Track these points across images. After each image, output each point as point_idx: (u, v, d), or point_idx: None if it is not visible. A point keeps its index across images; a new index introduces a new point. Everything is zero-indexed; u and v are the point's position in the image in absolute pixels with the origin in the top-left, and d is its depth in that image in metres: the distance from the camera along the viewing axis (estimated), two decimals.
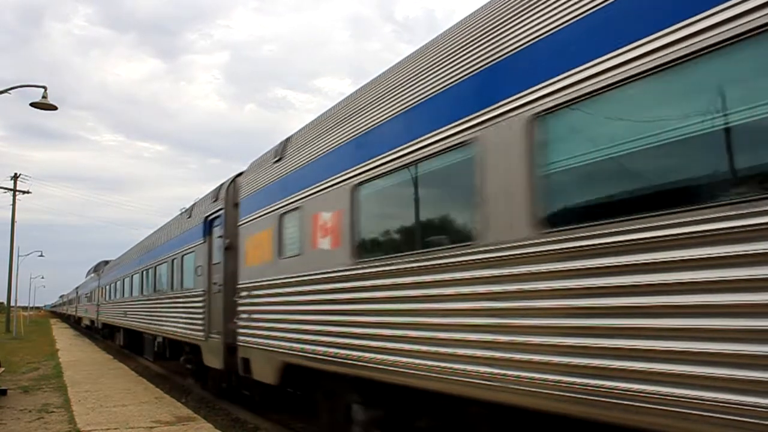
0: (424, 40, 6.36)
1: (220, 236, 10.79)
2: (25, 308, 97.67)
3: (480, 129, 4.76)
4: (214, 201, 11.23)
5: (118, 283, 23.84)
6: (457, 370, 4.80)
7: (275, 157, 8.72)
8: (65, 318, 73.71)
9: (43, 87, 18.15)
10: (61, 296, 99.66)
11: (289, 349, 7.80)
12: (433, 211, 5.52)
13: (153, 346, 16.47)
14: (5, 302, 54.93)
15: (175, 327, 13.51)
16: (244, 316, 9.33)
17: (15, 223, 47.10)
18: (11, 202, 46.59)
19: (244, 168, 10.87)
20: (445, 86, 5.26)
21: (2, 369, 14.41)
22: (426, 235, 5.48)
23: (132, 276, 20.46)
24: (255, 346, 8.86)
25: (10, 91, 17.66)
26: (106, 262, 33.51)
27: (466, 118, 4.92)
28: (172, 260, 14.12)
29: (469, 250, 4.77)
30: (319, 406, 7.87)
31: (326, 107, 9.07)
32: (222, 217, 10.73)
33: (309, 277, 7.33)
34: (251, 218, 9.34)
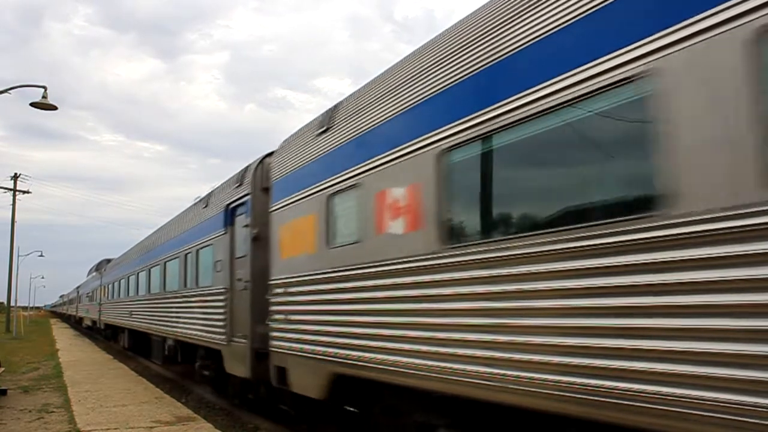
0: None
1: (245, 226, 9.25)
2: (25, 308, 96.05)
3: (663, 56, 3.27)
4: (238, 186, 9.69)
5: (123, 281, 22.17)
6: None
7: (320, 129, 7.20)
8: (65, 318, 71.80)
9: (43, 87, 17.72)
10: (61, 296, 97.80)
11: (341, 357, 6.28)
12: (575, 172, 3.99)
13: (162, 349, 14.87)
14: (5, 302, 54.33)
15: (189, 329, 11.94)
16: (279, 317, 7.81)
17: (15, 223, 46.37)
18: (11, 202, 45.89)
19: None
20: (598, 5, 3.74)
21: (2, 369, 13.98)
22: (563, 208, 3.97)
23: (138, 274, 18.84)
24: (294, 352, 7.34)
25: (10, 91, 17.28)
26: (109, 260, 31.85)
27: (638, 44, 3.42)
28: (185, 255, 12.56)
29: (650, 224, 3.28)
30: (379, 426, 6.35)
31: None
32: (248, 203, 9.19)
33: (372, 269, 5.81)
34: (287, 203, 7.82)
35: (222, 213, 10.20)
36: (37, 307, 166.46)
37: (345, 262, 6.31)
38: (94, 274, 35.39)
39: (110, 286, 25.98)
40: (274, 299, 7.99)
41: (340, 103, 7.04)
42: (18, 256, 47.37)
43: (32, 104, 17.81)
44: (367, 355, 5.81)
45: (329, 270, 6.60)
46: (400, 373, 5.29)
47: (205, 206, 11.43)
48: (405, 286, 5.29)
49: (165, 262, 14.68)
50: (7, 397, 11.70)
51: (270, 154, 9.17)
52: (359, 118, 6.34)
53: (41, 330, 46.68)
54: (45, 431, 8.74)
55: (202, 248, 11.41)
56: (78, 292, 47.77)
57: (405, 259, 5.31)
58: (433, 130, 5.05)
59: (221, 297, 9.94)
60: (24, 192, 46.38)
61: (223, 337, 9.78)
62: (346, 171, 6.40)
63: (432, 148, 5.06)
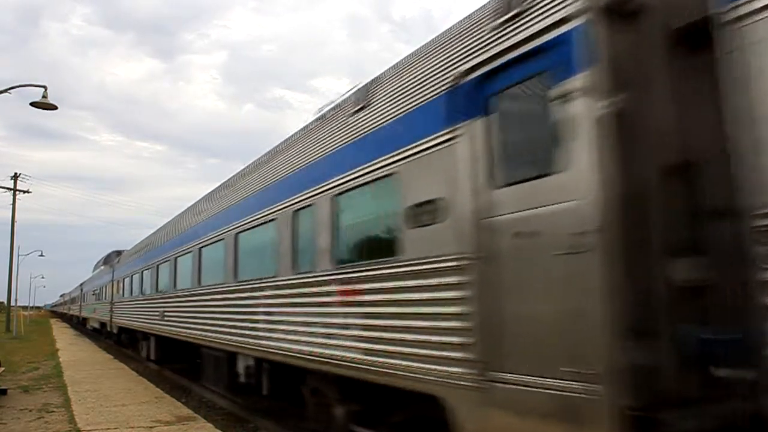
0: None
1: (564, 97, 3.41)
2: (25, 308, 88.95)
3: None
4: (511, 19, 3.84)
5: (148, 273, 15.79)
6: None
7: None
8: (67, 318, 64.24)
9: (44, 87, 16.56)
10: (62, 295, 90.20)
11: None
12: None
13: (229, 370, 8.72)
14: (5, 302, 50.92)
15: (309, 344, 5.98)
16: None
17: (15, 223, 42.55)
18: (11, 202, 42.38)
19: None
20: None
21: (2, 369, 13.13)
22: None
23: (174, 260, 12.67)
24: None
25: (10, 91, 16.18)
26: (119, 252, 25.44)
27: None
28: (294, 213, 6.64)
29: None
30: None
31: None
32: (573, 45, 3.37)
33: None
34: None
35: (442, 99, 4.33)
36: (38, 307, 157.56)
37: None
38: (102, 268, 28.75)
39: (127, 280, 19.48)
40: None
41: None
42: (18, 255, 43.75)
43: (32, 104, 16.59)
44: None
45: None
46: None
47: (361, 107, 5.49)
48: None
49: (236, 235, 8.67)
50: (7, 396, 10.84)
51: None
52: None
53: (41, 330, 42.57)
54: (45, 431, 8.03)
55: (348, 191, 5.51)
56: (82, 290, 40.76)
57: None
58: None
59: (448, 280, 4.07)
60: (24, 192, 42.57)
61: (459, 369, 3.91)
62: None
63: None
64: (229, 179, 10.12)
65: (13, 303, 43.90)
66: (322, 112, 6.36)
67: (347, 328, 5.31)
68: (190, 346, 11.49)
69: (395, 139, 4.82)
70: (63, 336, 33.48)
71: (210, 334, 9.54)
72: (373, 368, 4.91)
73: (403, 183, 4.67)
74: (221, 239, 9.37)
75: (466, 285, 3.92)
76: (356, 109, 5.55)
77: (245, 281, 8.13)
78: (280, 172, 7.32)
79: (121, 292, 20.85)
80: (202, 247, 10.57)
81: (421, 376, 4.33)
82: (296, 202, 6.60)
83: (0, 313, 55.60)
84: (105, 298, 25.69)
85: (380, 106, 5.15)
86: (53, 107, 16.98)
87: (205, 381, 10.07)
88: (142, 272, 16.65)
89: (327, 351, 5.68)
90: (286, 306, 6.67)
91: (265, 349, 7.22)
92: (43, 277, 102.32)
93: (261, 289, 7.44)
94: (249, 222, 8.20)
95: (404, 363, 4.50)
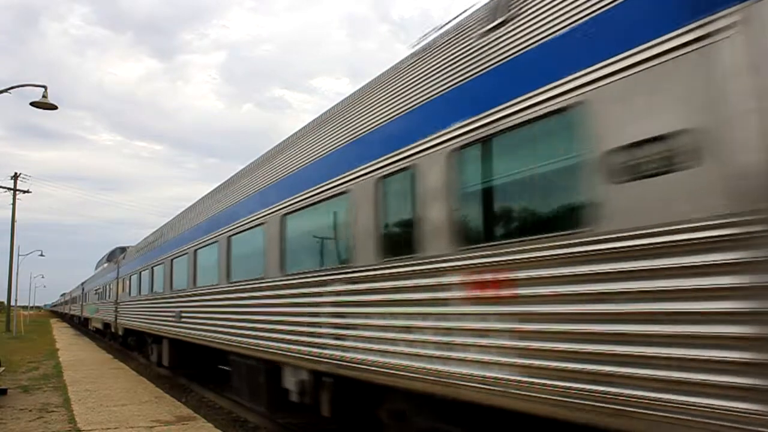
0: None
1: None
2: (25, 308, 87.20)
3: None
4: None
5: (160, 269, 14.04)
6: None
7: None
8: (68, 318, 62.45)
9: (43, 86, 16.48)
10: (62, 294, 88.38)
11: None
12: None
13: (272, 382, 7.04)
14: (5, 302, 50.06)
15: (398, 355, 4.35)
16: None
17: (15, 223, 41.56)
18: (11, 202, 41.56)
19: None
20: None
21: (2, 368, 13.26)
22: None
23: (195, 252, 11.00)
24: None
25: (9, 91, 16.04)
26: (124, 249, 23.73)
27: None
28: (378, 184, 4.92)
29: None
30: None
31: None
32: None
33: None
34: None
35: None
36: (38, 307, 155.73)
37: None
38: (105, 265, 27.00)
39: (134, 277, 17.77)
40: None
41: None
42: (18, 255, 43.23)
43: (32, 104, 16.50)
44: None
45: None
46: None
47: (501, 22, 3.77)
48: None
49: (282, 218, 7.00)
50: (7, 396, 10.58)
51: None
52: None
53: (41, 329, 41.96)
54: (45, 431, 7.77)
55: (480, 141, 3.81)
56: (83, 289, 38.99)
57: None
58: None
59: (710, 259, 2.47)
60: (24, 191, 41.50)
61: (748, 404, 2.33)
62: None
63: None
64: (263, 156, 8.45)
65: (13, 303, 42.99)
66: (426, 41, 4.71)
67: (483, 336, 3.69)
68: (211, 351, 9.84)
69: (578, 54, 3.20)
70: (63, 336, 32.61)
71: (244, 339, 7.88)
72: (540, 395, 3.29)
73: (599, 115, 3.05)
74: (259, 224, 7.73)
75: (754, 268, 2.32)
76: (491, 26, 3.92)
77: (297, 274, 6.49)
78: (351, 133, 5.68)
79: (127, 290, 19.15)
80: (232, 236, 8.92)
81: (648, 412, 2.70)
82: (382, 167, 4.96)
83: (0, 312, 55.03)
84: (109, 297, 23.98)
85: (541, 14, 3.52)
86: (53, 107, 16.77)
87: (238, 395, 8.40)
88: (153, 268, 14.97)
89: (434, 366, 4.07)
90: (366, 305, 5.04)
91: (330, 360, 5.59)
92: (43, 277, 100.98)
93: (324, 283, 5.80)
94: (301, 201, 6.56)
95: (607, 389, 2.88)
